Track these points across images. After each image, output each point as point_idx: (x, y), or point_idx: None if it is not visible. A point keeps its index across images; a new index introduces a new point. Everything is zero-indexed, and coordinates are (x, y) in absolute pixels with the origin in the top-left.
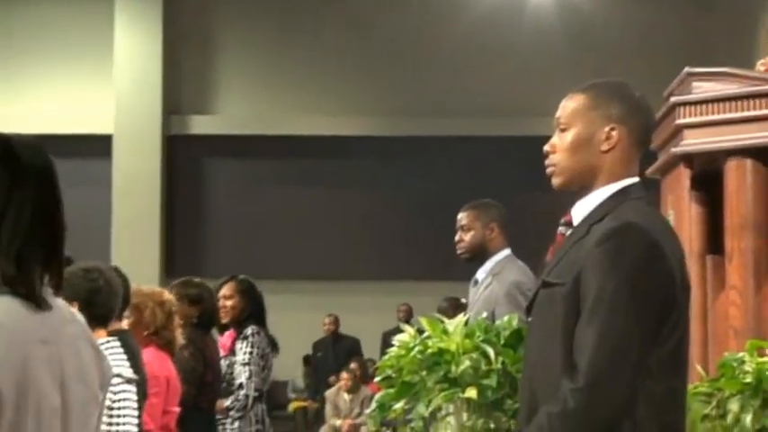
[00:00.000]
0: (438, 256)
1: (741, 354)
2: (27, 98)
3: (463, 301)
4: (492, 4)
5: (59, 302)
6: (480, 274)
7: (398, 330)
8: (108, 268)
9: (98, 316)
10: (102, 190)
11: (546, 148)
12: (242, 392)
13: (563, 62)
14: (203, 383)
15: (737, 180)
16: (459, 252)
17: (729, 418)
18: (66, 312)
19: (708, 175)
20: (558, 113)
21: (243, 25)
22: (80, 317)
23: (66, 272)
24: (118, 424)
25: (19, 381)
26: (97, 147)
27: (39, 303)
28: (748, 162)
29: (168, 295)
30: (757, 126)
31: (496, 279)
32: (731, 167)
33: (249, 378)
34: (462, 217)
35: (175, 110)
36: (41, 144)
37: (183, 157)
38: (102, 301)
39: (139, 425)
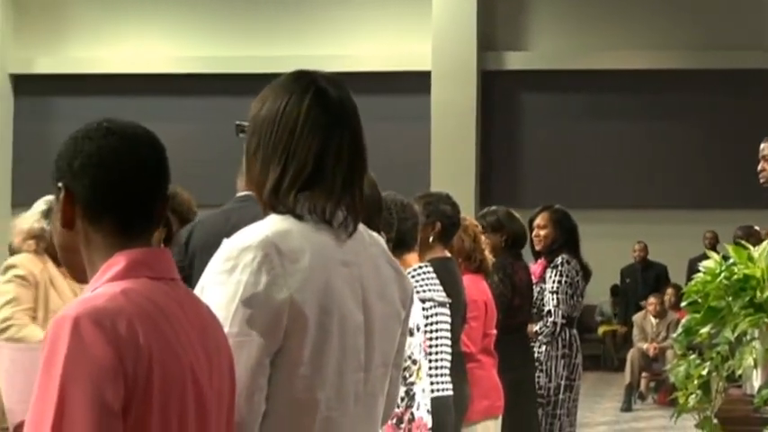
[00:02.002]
0: (743, 185)
1: None
2: (350, 38)
3: (757, 228)
4: None
5: (360, 227)
6: None
7: (704, 257)
8: (405, 198)
9: (398, 240)
10: (421, 124)
11: None
12: (550, 319)
13: None
14: (511, 307)
15: None
16: (762, 182)
17: None
18: (366, 235)
19: None
20: None
21: None
22: (379, 238)
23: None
24: (431, 346)
25: (322, 302)
26: (416, 83)
27: (343, 229)
28: None
29: (471, 220)
30: None
31: None
32: None
33: (557, 306)
34: (765, 147)
35: (490, 46)
36: (341, 81)
37: (497, 92)
38: (402, 225)
39: (452, 346)
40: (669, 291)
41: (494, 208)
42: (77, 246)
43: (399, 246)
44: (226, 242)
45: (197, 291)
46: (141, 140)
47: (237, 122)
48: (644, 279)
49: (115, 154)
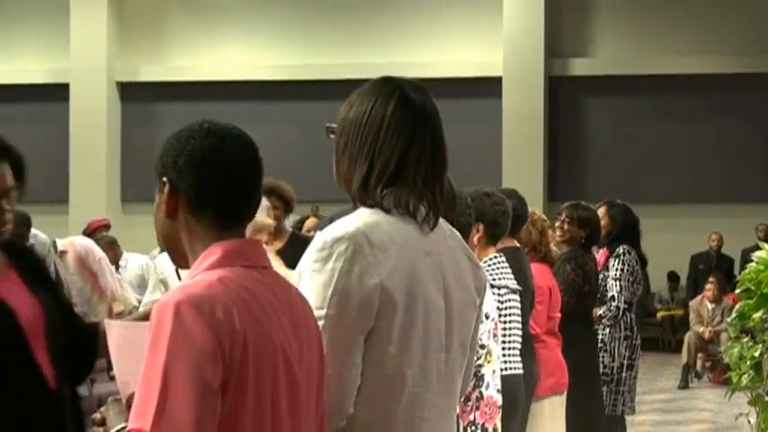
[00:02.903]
0: None
1: None
2: (428, 47)
3: None
4: None
5: (440, 221)
6: None
7: (757, 248)
8: (499, 191)
9: (496, 234)
10: (493, 126)
11: None
12: (613, 304)
13: None
14: (582, 294)
15: None
16: None
17: None
18: (446, 229)
19: None
20: None
21: None
22: (457, 232)
23: (472, 193)
24: (505, 328)
25: (408, 288)
26: (489, 88)
27: (426, 222)
28: None
29: (540, 214)
30: None
31: None
32: None
33: (620, 292)
34: None
35: (556, 53)
36: (422, 86)
37: (563, 96)
38: (504, 221)
39: (523, 328)
40: (712, 279)
41: (585, 204)
42: (179, 235)
43: (495, 237)
44: (320, 234)
45: (295, 277)
46: (238, 141)
47: (328, 125)
48: (718, 268)
49: (216, 153)
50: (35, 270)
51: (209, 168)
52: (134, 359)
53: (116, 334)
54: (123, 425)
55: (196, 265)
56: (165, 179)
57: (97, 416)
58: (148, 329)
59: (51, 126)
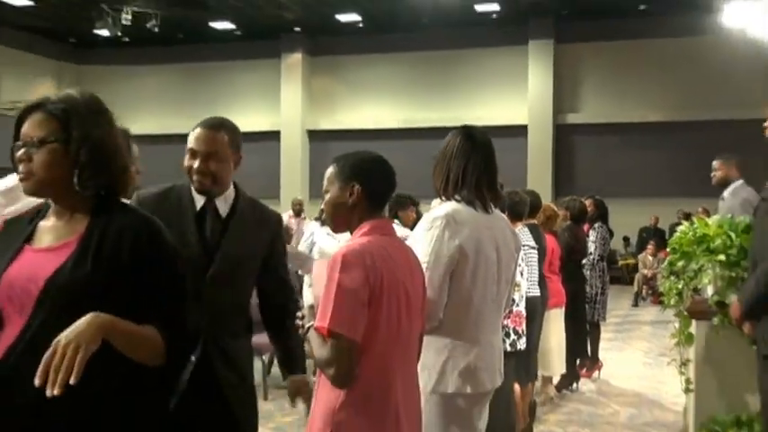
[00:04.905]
0: (702, 184)
1: None
2: (483, 106)
3: (701, 208)
4: None
5: (495, 209)
6: (725, 194)
7: (679, 223)
8: (523, 191)
9: (516, 215)
10: (521, 155)
11: None
12: (591, 257)
13: None
14: (573, 250)
15: None
16: (713, 183)
17: None
18: (498, 213)
19: None
20: None
21: (591, 53)
22: (503, 215)
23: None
24: (528, 269)
25: (476, 247)
26: (518, 132)
27: (486, 209)
28: None
29: (551, 206)
30: None
31: (731, 196)
32: None
33: (595, 249)
34: (715, 164)
35: (560, 110)
36: (484, 130)
37: (564, 136)
38: (518, 208)
39: (539, 270)
40: (651, 242)
41: (574, 198)
42: (350, 214)
43: (516, 217)
44: (426, 215)
45: (410, 240)
46: (389, 165)
47: (434, 155)
48: (654, 235)
49: (387, 174)
50: (117, 243)
51: (384, 181)
52: (322, 283)
53: (316, 267)
54: (312, 323)
55: (354, 234)
56: (355, 183)
57: (300, 314)
58: (327, 267)
59: (270, 156)
